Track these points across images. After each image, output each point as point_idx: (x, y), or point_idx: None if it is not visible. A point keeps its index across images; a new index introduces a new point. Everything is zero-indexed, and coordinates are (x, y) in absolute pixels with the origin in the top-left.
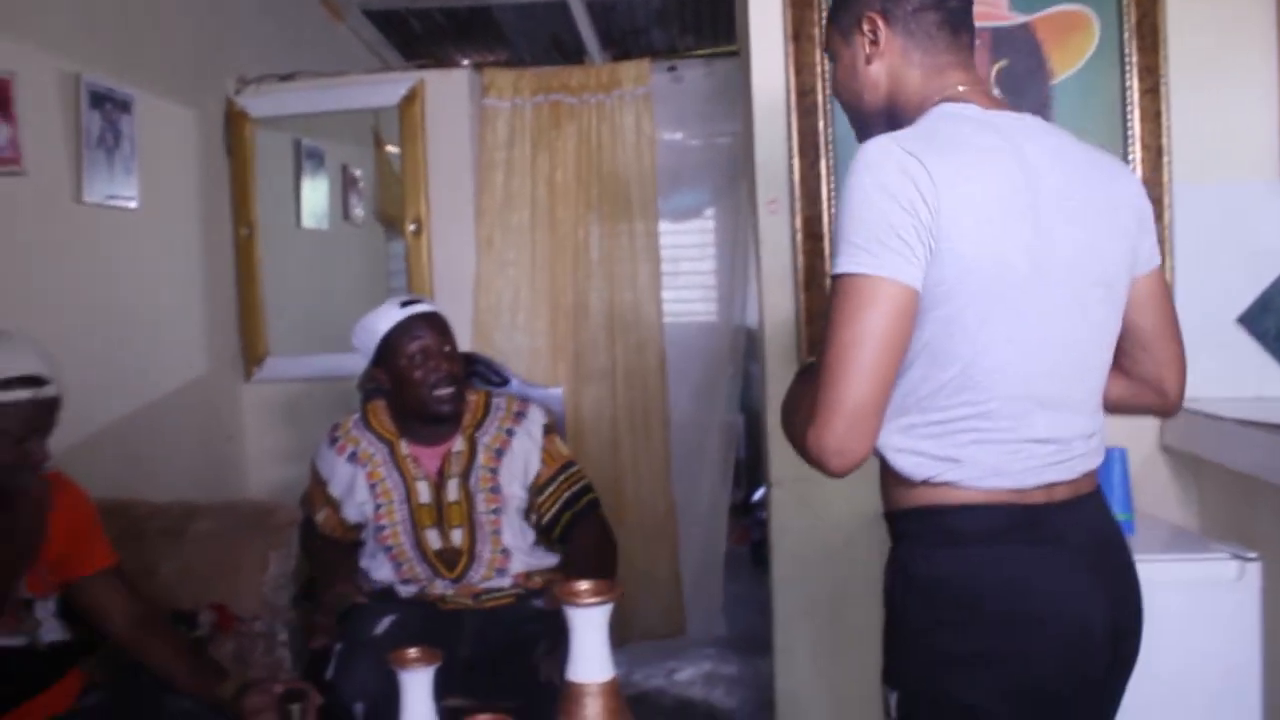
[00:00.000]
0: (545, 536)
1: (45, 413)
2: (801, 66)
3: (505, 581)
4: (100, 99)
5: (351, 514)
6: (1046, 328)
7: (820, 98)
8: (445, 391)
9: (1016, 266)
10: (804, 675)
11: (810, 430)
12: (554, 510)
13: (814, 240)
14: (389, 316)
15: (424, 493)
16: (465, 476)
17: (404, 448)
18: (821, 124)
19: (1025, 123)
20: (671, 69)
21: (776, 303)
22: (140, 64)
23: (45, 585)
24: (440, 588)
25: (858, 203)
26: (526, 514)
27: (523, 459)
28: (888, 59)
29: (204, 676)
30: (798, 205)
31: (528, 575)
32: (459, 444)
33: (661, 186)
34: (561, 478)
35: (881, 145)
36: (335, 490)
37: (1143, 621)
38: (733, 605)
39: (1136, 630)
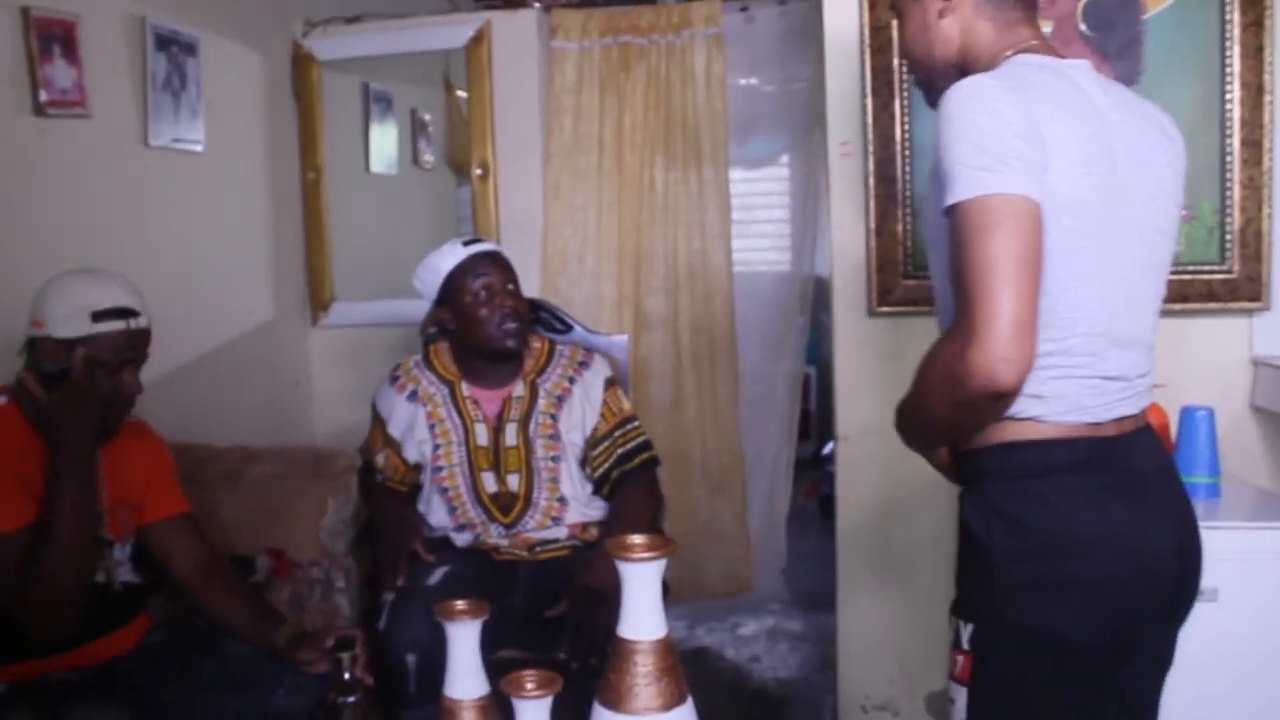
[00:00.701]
0: (597, 490)
1: (138, 343)
2: (875, 1)
3: (561, 532)
4: (166, 41)
5: (411, 453)
6: (1121, 268)
7: (895, 34)
8: (510, 326)
9: (1097, 207)
10: (868, 632)
11: (970, 351)
12: (605, 466)
13: (887, 184)
14: (452, 255)
15: (482, 435)
16: (525, 422)
17: (464, 389)
18: (896, 62)
19: (1092, 74)
20: (744, 9)
21: (847, 250)
22: (206, 6)
23: (124, 528)
24: (495, 535)
25: (973, 129)
26: (583, 465)
27: (581, 409)
28: (960, 14)
29: (261, 623)
30: (870, 148)
31: (584, 527)
32: (519, 389)
33: (734, 132)
34: (618, 433)
35: (981, 81)
36: (395, 429)
37: (1203, 555)
38: (800, 561)
39: (1198, 562)
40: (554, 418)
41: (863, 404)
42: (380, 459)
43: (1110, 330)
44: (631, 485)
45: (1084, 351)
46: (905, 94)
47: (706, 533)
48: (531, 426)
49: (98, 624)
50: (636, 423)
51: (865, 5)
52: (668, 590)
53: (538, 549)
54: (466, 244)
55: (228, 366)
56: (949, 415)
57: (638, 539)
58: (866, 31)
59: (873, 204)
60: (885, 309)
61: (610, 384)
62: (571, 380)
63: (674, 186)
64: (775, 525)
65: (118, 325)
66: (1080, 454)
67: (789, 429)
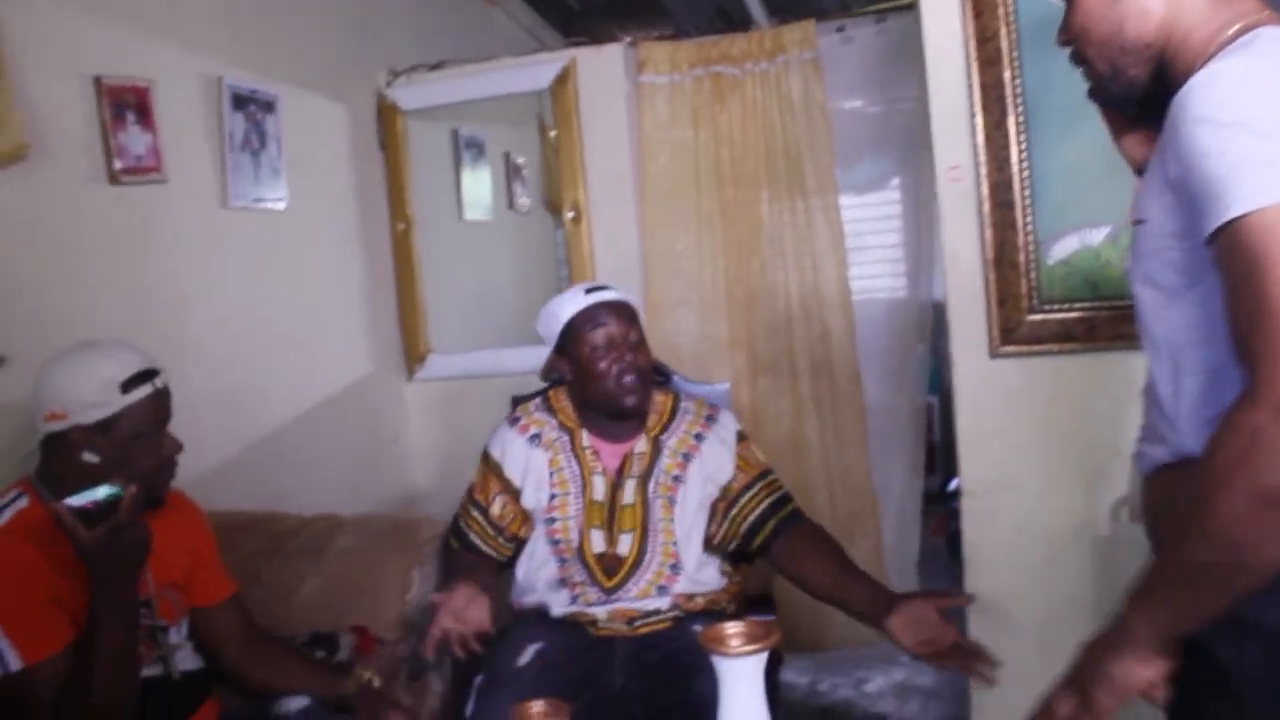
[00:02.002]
0: (742, 546)
1: (166, 402)
2: (982, 7)
3: (663, 602)
4: (243, 100)
5: (529, 500)
6: None
7: (1005, 44)
8: (629, 381)
9: None
10: (1003, 695)
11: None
12: (754, 516)
13: (1004, 210)
14: (573, 302)
15: (599, 489)
16: (645, 479)
17: (585, 439)
18: (1008, 74)
19: None
20: (840, 29)
21: (962, 284)
22: (286, 62)
23: (176, 610)
24: (594, 597)
25: (1258, 119)
26: (709, 524)
27: (713, 465)
28: None
29: (323, 677)
30: (983, 171)
31: (689, 597)
32: (642, 444)
33: (840, 157)
34: (759, 484)
35: (1253, 60)
36: (513, 473)
37: None
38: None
39: None
40: (676, 479)
41: (988, 455)
42: (497, 507)
43: None
44: (799, 530)
45: None
46: (1020, 108)
47: None
48: (651, 485)
49: None
50: (775, 475)
51: (969, 13)
52: (779, 661)
53: (638, 623)
54: (589, 291)
55: (322, 427)
56: (1258, 525)
57: (732, 628)
58: (972, 43)
59: (988, 233)
60: (1009, 349)
61: (742, 437)
62: (699, 437)
63: (780, 219)
64: (906, 565)
65: (146, 391)
66: None
67: (915, 464)
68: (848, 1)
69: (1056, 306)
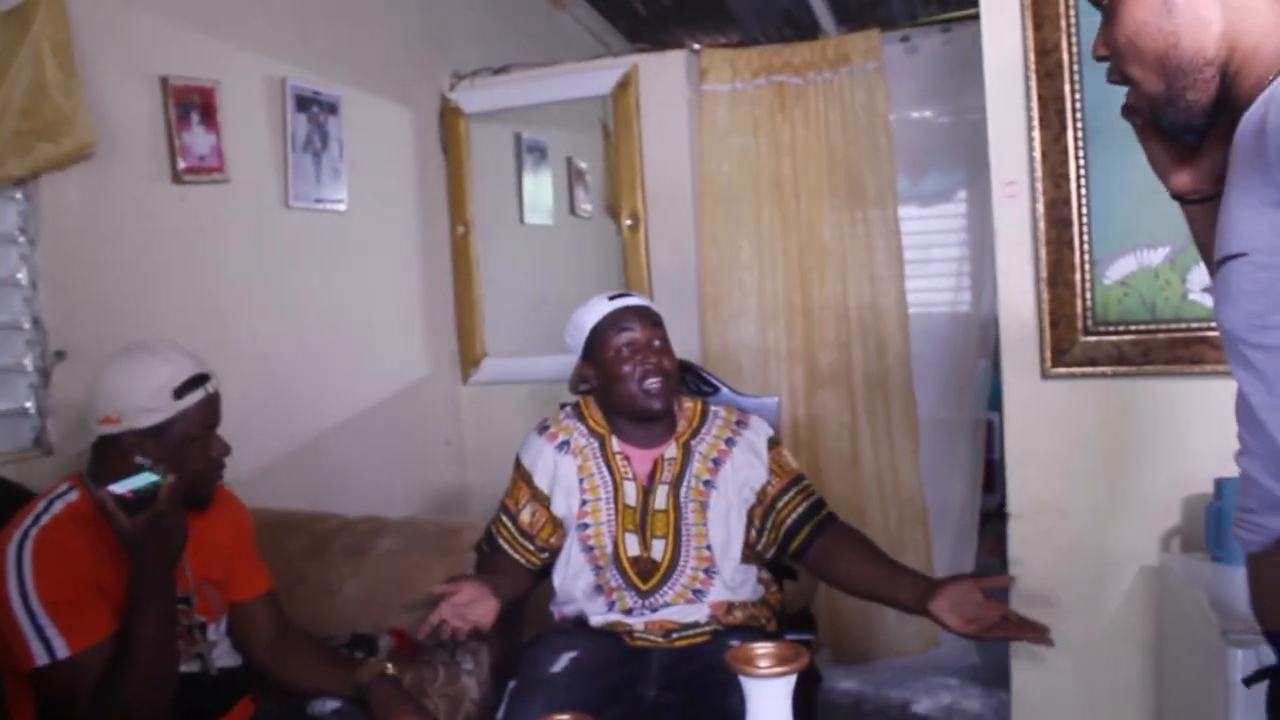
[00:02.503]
0: (780, 551)
1: (217, 406)
2: (1042, 20)
3: (701, 613)
4: (306, 102)
5: (559, 507)
6: None
7: (1065, 57)
8: (652, 385)
9: None
10: None
11: None
12: (791, 520)
13: (1060, 228)
14: (597, 309)
15: (630, 494)
16: (676, 485)
17: (615, 445)
18: (1068, 89)
19: None
20: (904, 39)
21: (1016, 303)
22: (349, 64)
23: (215, 607)
24: (630, 602)
25: None
26: (748, 530)
27: (745, 471)
28: None
29: (342, 672)
30: (1039, 187)
31: (727, 608)
32: (672, 450)
33: (906, 169)
34: (794, 490)
35: None
36: (542, 481)
37: None
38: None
39: None
40: (708, 484)
41: (1036, 478)
42: (526, 515)
43: None
44: (835, 530)
45: None
46: (1080, 124)
47: None
48: (683, 491)
49: (197, 716)
50: (808, 481)
51: (1030, 26)
52: (817, 680)
53: (674, 635)
54: (612, 298)
55: (377, 427)
56: None
57: (761, 649)
58: (1032, 55)
59: (1043, 251)
60: (1061, 370)
61: (774, 443)
62: (730, 442)
63: (840, 231)
64: None
65: (198, 396)
66: None
67: (973, 480)
68: (915, 10)
69: (1111, 328)
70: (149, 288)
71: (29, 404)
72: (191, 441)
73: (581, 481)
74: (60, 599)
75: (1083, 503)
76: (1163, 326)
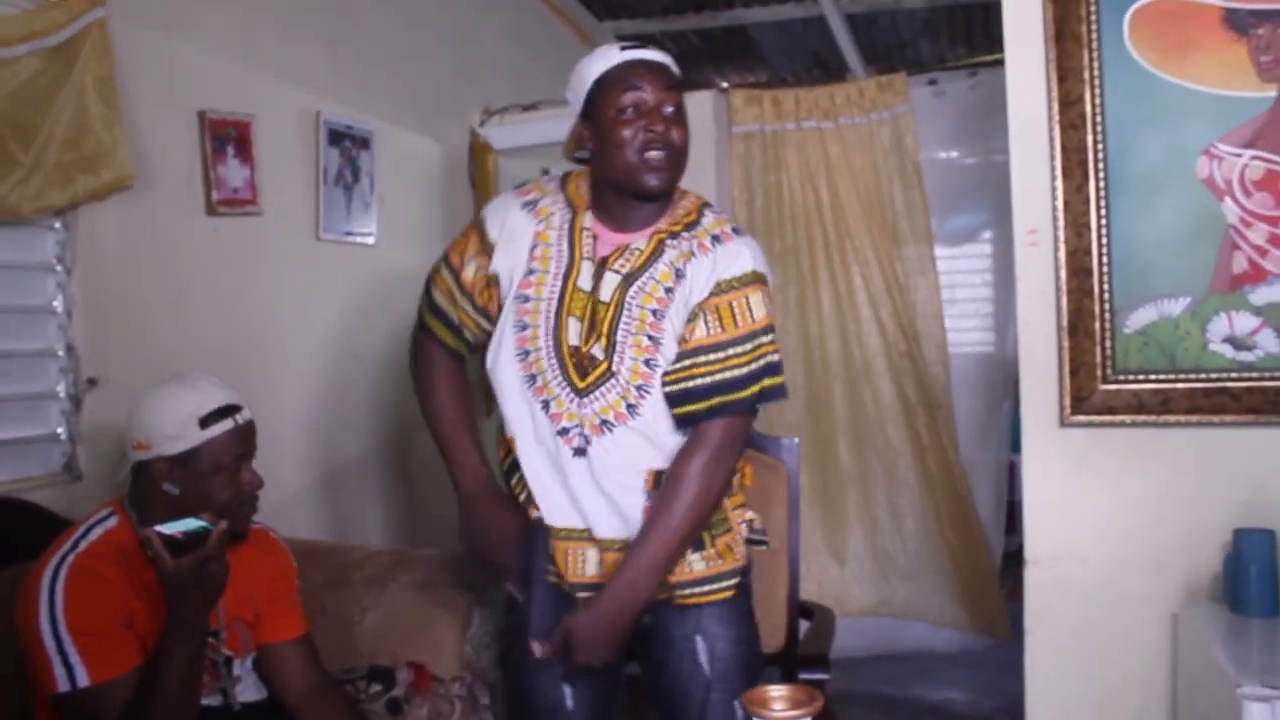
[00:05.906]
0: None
1: (249, 438)
2: (1066, 72)
3: (633, 500)
4: (339, 136)
5: (500, 264)
6: None
7: (1089, 108)
8: (654, 155)
9: None
10: None
11: None
12: (679, 388)
13: (1081, 276)
14: (605, 58)
15: (586, 277)
16: (629, 280)
17: (587, 219)
18: (1090, 139)
19: None
20: (932, 82)
21: (1036, 349)
22: (383, 99)
23: (244, 644)
24: (567, 402)
25: None
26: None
27: (686, 294)
28: None
29: None
30: (1061, 236)
31: (656, 478)
32: (642, 241)
33: (932, 209)
34: (732, 350)
35: None
36: (494, 230)
37: None
38: (1000, 674)
39: None
40: (669, 291)
41: (1054, 525)
42: (470, 270)
43: None
44: (692, 443)
45: None
46: (1102, 175)
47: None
48: (633, 289)
49: None
50: (766, 340)
51: (1054, 78)
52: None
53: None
54: (624, 48)
55: (403, 459)
56: None
57: (776, 692)
58: (1056, 107)
59: (1064, 299)
60: (1079, 418)
61: (751, 282)
62: (693, 254)
63: (872, 271)
64: None
65: (226, 426)
66: None
67: (996, 523)
68: (943, 53)
69: (1131, 377)
70: (181, 317)
71: (60, 430)
72: (218, 471)
73: (535, 248)
74: (88, 629)
75: (1100, 551)
76: (1183, 376)
